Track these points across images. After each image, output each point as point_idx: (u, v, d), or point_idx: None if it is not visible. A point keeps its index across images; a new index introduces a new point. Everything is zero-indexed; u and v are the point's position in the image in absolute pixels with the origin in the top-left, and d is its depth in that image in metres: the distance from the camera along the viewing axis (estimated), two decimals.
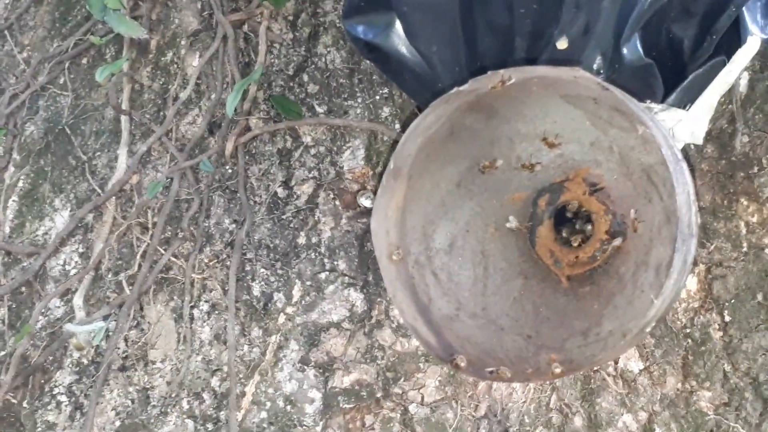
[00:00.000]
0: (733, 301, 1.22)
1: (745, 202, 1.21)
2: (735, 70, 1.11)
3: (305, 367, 1.33)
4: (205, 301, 1.39)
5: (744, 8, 1.10)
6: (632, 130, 0.99)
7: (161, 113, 1.48)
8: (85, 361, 1.41)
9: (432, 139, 1.08)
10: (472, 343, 1.09)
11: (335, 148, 1.39)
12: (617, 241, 1.10)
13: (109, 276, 1.43)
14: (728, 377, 1.21)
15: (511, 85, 0.99)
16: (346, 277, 1.35)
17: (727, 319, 1.22)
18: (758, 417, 1.20)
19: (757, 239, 1.21)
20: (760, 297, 1.21)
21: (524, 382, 1.19)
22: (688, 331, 1.23)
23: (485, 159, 1.15)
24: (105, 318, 1.38)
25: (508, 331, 1.11)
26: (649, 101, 1.11)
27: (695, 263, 1.21)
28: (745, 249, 1.22)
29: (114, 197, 1.45)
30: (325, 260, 1.36)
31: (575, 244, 1.17)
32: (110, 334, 1.38)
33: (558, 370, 1.01)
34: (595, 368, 1.21)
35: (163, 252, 1.40)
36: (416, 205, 1.13)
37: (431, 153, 1.10)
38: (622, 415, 1.25)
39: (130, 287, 1.40)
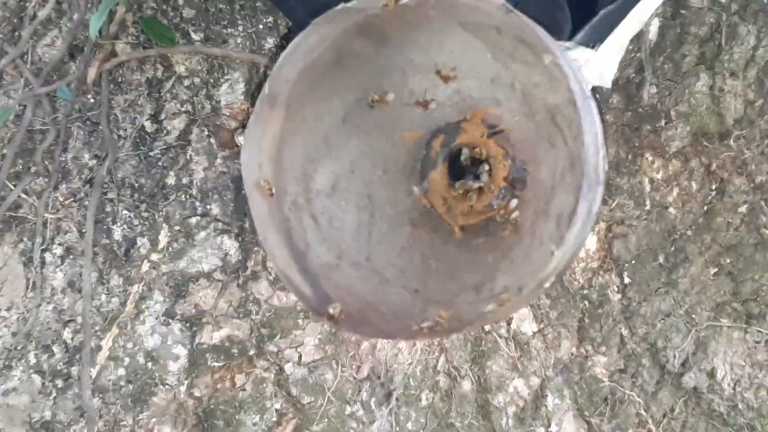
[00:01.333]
0: (633, 262, 1.18)
1: (650, 157, 1.17)
2: (649, 7, 1.04)
3: (170, 321, 1.23)
4: (59, 245, 1.27)
5: None
6: (537, 64, 0.90)
7: (16, 33, 1.33)
8: None
9: (315, 64, 0.96)
10: (353, 294, 0.99)
11: (212, 81, 1.27)
12: (513, 203, 1.02)
13: None
14: (625, 342, 1.18)
15: (405, 7, 0.88)
16: (220, 223, 1.25)
17: (627, 281, 1.18)
18: (654, 385, 1.18)
19: (662, 197, 1.17)
20: (661, 258, 1.17)
21: (408, 340, 1.11)
22: (585, 292, 1.19)
23: (375, 92, 1.05)
24: None
25: (394, 284, 1.02)
26: (555, 38, 1.03)
27: (596, 220, 1.16)
28: (648, 207, 1.18)
29: None
30: (197, 203, 1.25)
31: (470, 191, 1.08)
32: None
33: (445, 326, 0.93)
34: (486, 328, 1.15)
35: (12, 187, 1.27)
36: (296, 138, 1.02)
37: (314, 81, 0.99)
38: (513, 379, 1.20)
39: None
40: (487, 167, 1.05)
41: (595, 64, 1.04)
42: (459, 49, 0.98)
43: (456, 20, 0.94)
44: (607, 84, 1.06)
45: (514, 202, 1.02)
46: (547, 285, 0.85)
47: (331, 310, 0.96)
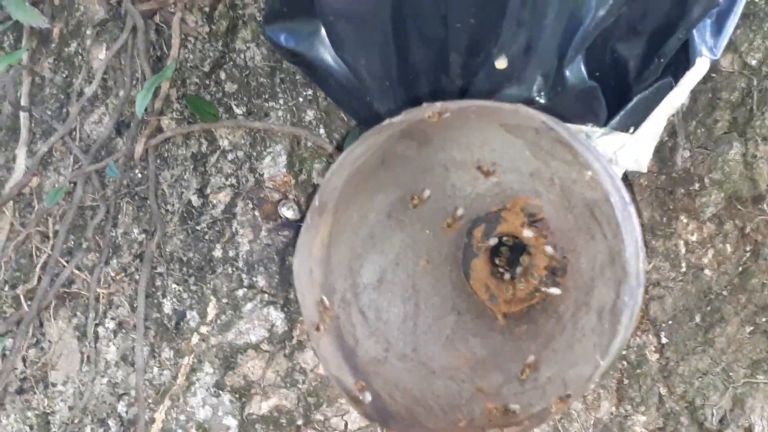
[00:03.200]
0: (670, 322, 1.19)
1: (685, 220, 1.17)
2: (682, 93, 1.06)
3: (220, 392, 1.26)
4: (111, 319, 1.31)
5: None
6: (575, 164, 0.92)
7: (64, 110, 1.37)
8: None
9: (361, 169, 0.99)
10: (401, 390, 1.02)
11: (255, 154, 1.30)
12: (554, 290, 1.04)
13: (6, 289, 1.35)
14: (664, 401, 1.19)
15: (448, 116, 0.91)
16: (266, 295, 1.27)
17: (664, 341, 1.19)
18: None
19: (697, 259, 1.18)
20: (698, 318, 1.18)
21: None
22: (623, 353, 1.19)
23: (417, 190, 1.07)
24: (1, 336, 1.30)
25: (440, 375, 1.04)
26: (591, 125, 1.05)
27: None
28: (683, 269, 1.18)
29: (12, 202, 1.36)
30: (243, 276, 1.28)
31: (513, 279, 1.11)
32: (7, 353, 1.31)
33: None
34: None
35: (65, 264, 1.32)
36: (343, 238, 1.05)
37: (360, 183, 1.02)
38: None
39: (29, 302, 1.31)
40: (528, 256, 1.08)
41: (631, 149, 1.05)
42: (499, 146, 1.00)
43: (496, 121, 0.96)
44: (643, 169, 1.07)
45: (555, 290, 1.04)
46: (592, 387, 0.88)
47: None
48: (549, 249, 1.05)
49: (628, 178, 1.17)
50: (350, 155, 0.97)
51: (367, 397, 1.02)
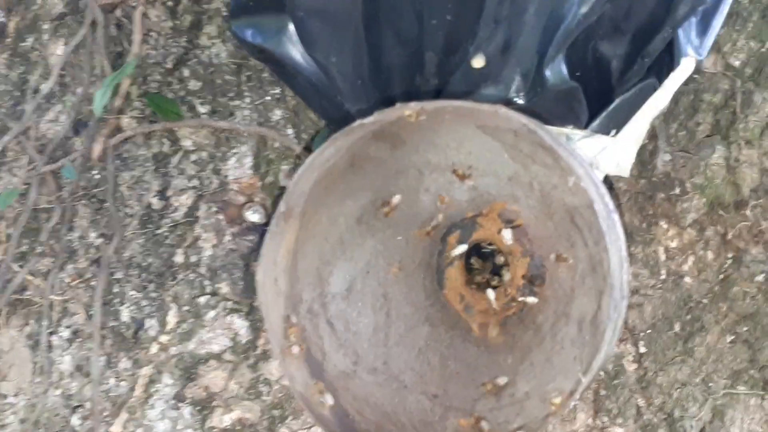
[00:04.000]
0: (649, 331, 1.16)
1: (665, 226, 1.16)
2: (666, 95, 1.03)
3: (180, 404, 1.23)
4: (66, 327, 1.26)
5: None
6: (556, 168, 0.89)
7: (19, 108, 1.32)
8: None
9: (330, 171, 0.96)
10: (371, 405, 0.98)
11: (219, 155, 1.26)
12: (531, 300, 1.01)
13: None
14: (642, 413, 1.16)
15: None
16: (229, 302, 1.23)
17: (642, 350, 1.16)
18: None
19: (677, 266, 1.16)
20: (677, 327, 1.16)
21: None
22: None
23: (389, 194, 1.04)
24: None
25: (412, 389, 1.01)
26: (571, 127, 1.01)
27: None
28: (663, 276, 1.16)
29: None
30: (206, 282, 1.24)
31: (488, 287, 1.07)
32: None
33: None
34: None
35: (18, 269, 1.27)
36: (310, 245, 1.02)
37: (329, 186, 0.98)
38: None
39: None
40: (503, 261, 1.05)
41: (613, 153, 1.02)
42: (476, 149, 0.98)
43: (473, 123, 0.93)
44: (625, 173, 1.04)
45: (532, 299, 1.01)
46: (572, 404, 0.84)
47: None
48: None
49: (612, 185, 1.14)
50: (319, 157, 0.93)
51: (328, 400, 0.99)
